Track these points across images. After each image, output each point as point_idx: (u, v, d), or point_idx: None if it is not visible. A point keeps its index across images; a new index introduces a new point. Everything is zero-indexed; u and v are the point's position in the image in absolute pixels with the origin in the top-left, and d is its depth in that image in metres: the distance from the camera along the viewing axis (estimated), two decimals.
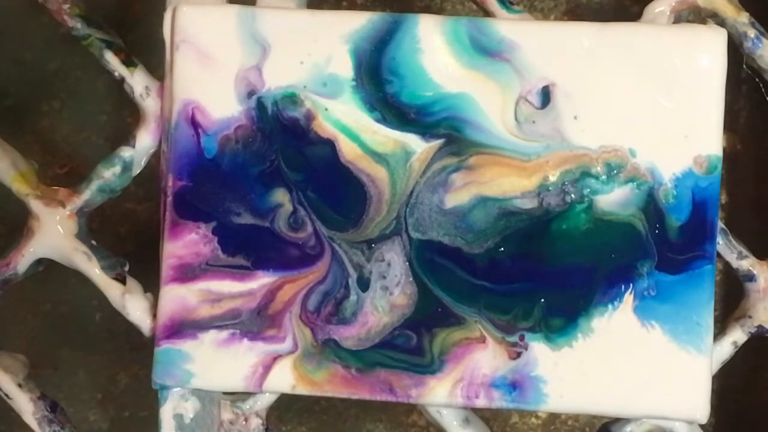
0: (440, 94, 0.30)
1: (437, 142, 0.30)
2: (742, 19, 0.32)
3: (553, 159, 0.30)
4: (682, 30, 0.30)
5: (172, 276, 0.31)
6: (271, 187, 0.31)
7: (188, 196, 0.31)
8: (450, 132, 0.30)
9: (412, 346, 0.31)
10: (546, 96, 0.30)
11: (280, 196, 0.31)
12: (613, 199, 0.30)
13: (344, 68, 0.31)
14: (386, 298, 0.31)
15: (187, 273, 0.31)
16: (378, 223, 0.31)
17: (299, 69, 0.31)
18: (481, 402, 0.30)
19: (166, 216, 0.31)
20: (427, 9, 0.47)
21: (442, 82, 0.30)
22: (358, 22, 0.31)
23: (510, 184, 0.30)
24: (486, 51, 0.30)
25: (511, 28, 0.30)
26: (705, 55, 0.30)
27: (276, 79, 0.31)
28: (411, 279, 0.31)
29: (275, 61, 0.31)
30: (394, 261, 0.31)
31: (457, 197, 0.30)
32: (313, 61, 0.31)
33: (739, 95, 0.36)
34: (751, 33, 0.32)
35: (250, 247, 0.31)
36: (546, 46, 0.30)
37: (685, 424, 0.31)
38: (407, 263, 0.30)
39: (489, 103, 0.30)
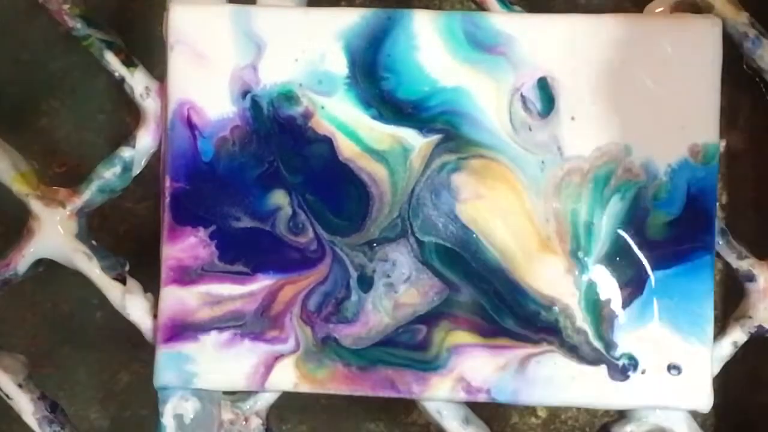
0: (436, 88, 0.30)
1: (435, 138, 0.30)
2: (742, 19, 0.32)
3: (551, 181, 0.30)
4: (677, 20, 0.31)
5: (171, 278, 0.31)
6: (269, 189, 0.31)
7: (186, 199, 0.31)
8: (447, 127, 0.30)
9: (415, 343, 0.31)
10: (541, 91, 0.30)
11: (280, 199, 0.31)
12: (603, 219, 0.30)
13: (339, 65, 0.31)
14: (390, 297, 0.31)
15: (186, 276, 0.31)
16: (380, 223, 0.31)
17: (294, 67, 0.31)
18: (482, 397, 0.31)
19: (165, 218, 0.31)
20: (426, 8, 0.46)
21: (438, 77, 0.30)
22: (352, 19, 0.31)
23: (514, 206, 0.30)
24: (481, 45, 0.30)
25: (506, 22, 0.30)
26: (700, 45, 0.30)
27: (272, 77, 0.31)
28: (416, 279, 0.31)
29: (270, 59, 0.31)
30: (399, 261, 0.31)
31: (468, 212, 0.30)
32: (307, 58, 0.31)
33: (740, 94, 0.36)
34: (751, 33, 0.32)
35: (249, 251, 0.31)
36: (542, 38, 0.30)
37: (686, 424, 0.32)
38: (412, 263, 0.31)
39: (485, 97, 0.30)
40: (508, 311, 0.30)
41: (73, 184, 0.33)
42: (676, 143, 0.30)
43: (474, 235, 0.30)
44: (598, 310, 0.30)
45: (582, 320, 0.30)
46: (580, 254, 0.30)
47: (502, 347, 0.30)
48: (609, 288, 0.30)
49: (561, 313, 0.30)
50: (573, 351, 0.30)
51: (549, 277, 0.30)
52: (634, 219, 0.30)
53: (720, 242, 0.32)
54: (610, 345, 0.30)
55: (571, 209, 0.30)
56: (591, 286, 0.30)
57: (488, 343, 0.30)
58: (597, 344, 0.30)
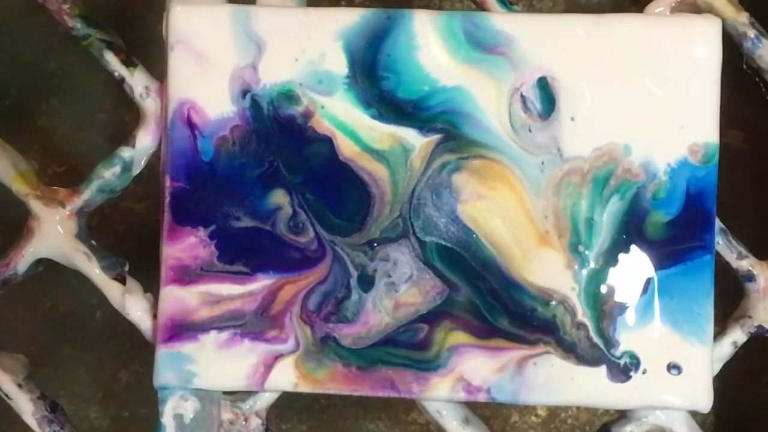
0: (436, 88, 0.30)
1: (435, 137, 0.30)
2: (742, 19, 0.32)
3: (551, 181, 0.30)
4: (677, 20, 0.31)
5: (171, 277, 0.31)
6: (269, 189, 0.31)
7: (186, 199, 0.31)
8: (447, 127, 0.30)
9: (415, 343, 0.31)
10: (541, 91, 0.30)
11: (280, 198, 0.31)
12: (604, 216, 0.30)
13: (338, 65, 0.31)
14: (390, 296, 0.31)
15: (186, 275, 0.31)
16: (380, 223, 0.31)
17: (294, 66, 0.31)
18: (482, 396, 0.30)
19: (165, 218, 0.31)
20: (426, 8, 0.47)
21: (438, 77, 0.30)
22: (351, 18, 0.31)
23: (514, 207, 0.30)
24: (481, 45, 0.30)
25: (506, 21, 0.30)
26: (700, 44, 0.30)
27: (272, 77, 0.31)
28: (418, 278, 0.31)
29: (270, 58, 0.31)
30: (400, 261, 0.31)
31: (469, 212, 0.30)
32: (307, 58, 0.31)
33: (740, 94, 0.36)
34: (751, 33, 0.32)
35: (249, 251, 0.31)
36: (542, 38, 0.30)
37: (686, 425, 0.32)
38: (414, 263, 0.31)
39: (485, 97, 0.30)
40: (502, 310, 0.30)
41: (73, 184, 0.33)
42: (675, 143, 0.30)
43: (474, 236, 0.30)
44: (599, 305, 0.30)
45: (582, 315, 0.30)
46: (581, 248, 0.30)
47: (497, 348, 0.30)
48: (610, 285, 0.30)
49: (559, 307, 0.30)
50: (571, 350, 0.30)
51: (547, 272, 0.30)
52: (634, 219, 0.30)
53: (720, 242, 0.32)
54: (611, 343, 0.30)
55: (571, 206, 0.30)
56: (591, 281, 0.30)
57: (484, 344, 0.30)
58: (597, 340, 0.30)
